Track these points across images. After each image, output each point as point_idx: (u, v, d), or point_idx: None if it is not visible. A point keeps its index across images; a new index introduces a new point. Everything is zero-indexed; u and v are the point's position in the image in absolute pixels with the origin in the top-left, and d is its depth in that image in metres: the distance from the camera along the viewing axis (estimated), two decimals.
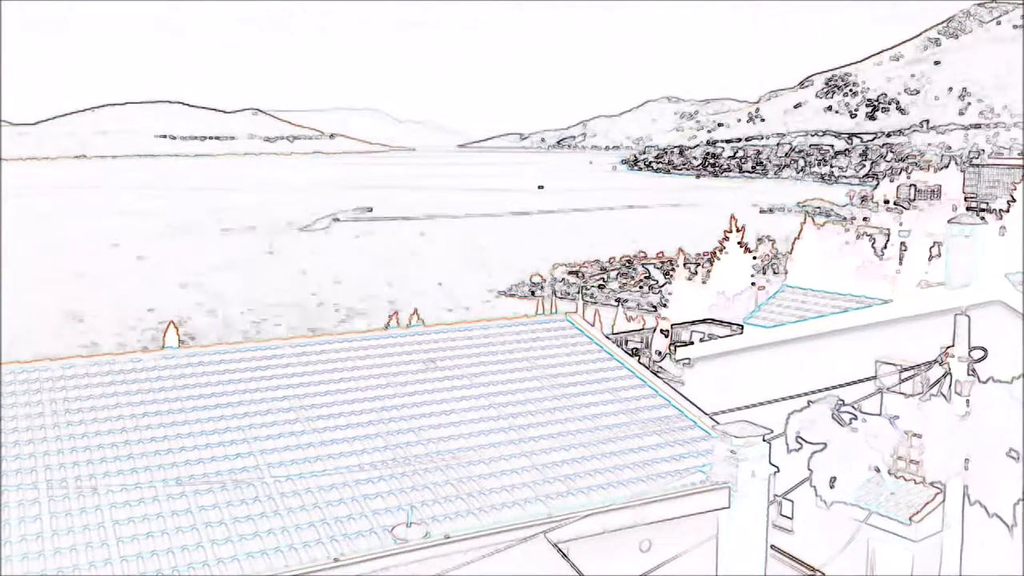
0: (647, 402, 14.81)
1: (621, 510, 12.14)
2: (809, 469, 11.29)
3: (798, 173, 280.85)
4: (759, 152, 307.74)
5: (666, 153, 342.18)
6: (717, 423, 13.64)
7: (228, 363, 14.42)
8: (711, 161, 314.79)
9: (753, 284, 34.10)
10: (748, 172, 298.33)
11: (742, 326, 25.03)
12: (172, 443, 12.43)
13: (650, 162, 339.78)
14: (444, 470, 12.45)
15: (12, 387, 13.20)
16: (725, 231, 36.69)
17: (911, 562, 16.28)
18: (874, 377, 14.67)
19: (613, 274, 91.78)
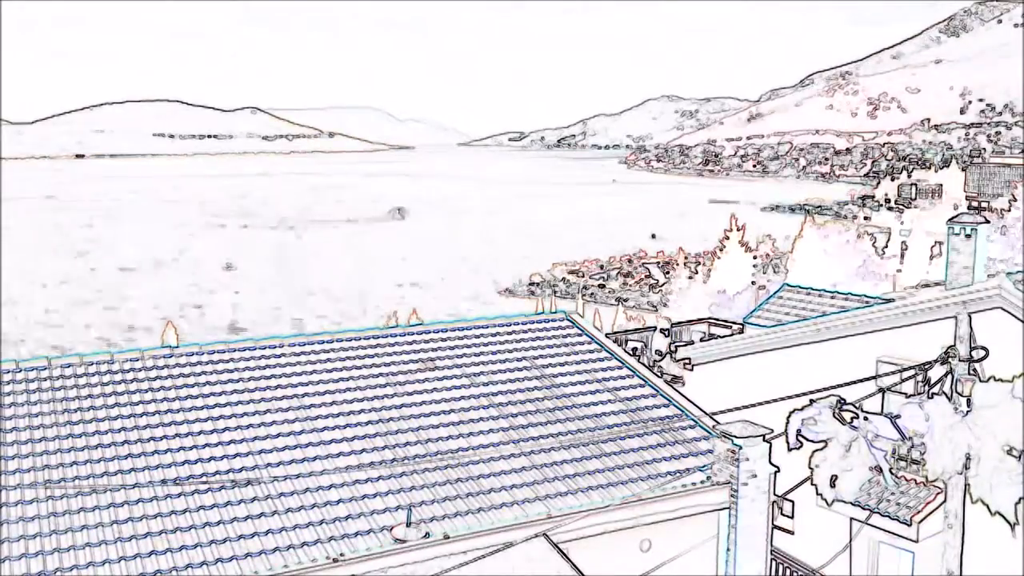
0: (647, 402, 14.78)
1: (621, 510, 12.13)
2: (810, 468, 11.27)
3: (799, 172, 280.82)
4: (760, 151, 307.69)
5: (667, 152, 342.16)
6: (718, 423, 13.62)
7: (228, 363, 14.40)
8: (711, 160, 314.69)
9: (753, 283, 34.08)
10: (749, 171, 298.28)
11: (743, 325, 24.99)
12: (172, 443, 12.41)
13: (650, 161, 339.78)
14: (444, 470, 12.43)
15: (12, 387, 13.17)
16: (725, 230, 36.68)
17: (912, 562, 16.26)
18: (875, 376, 14.65)
19: (613, 273, 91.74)
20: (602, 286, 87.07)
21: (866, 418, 11.07)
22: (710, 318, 29.84)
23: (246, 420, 13.07)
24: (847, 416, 11.06)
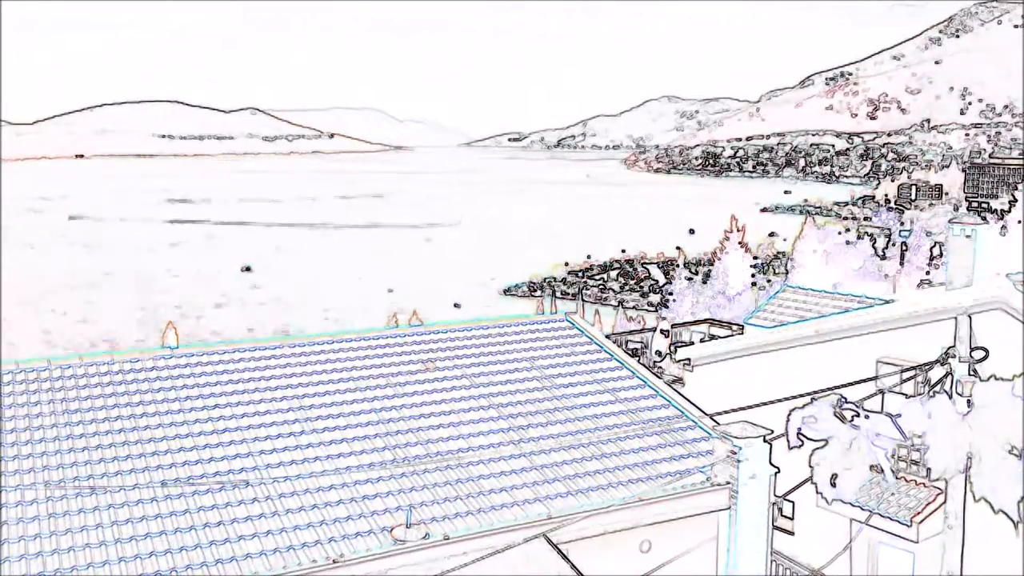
0: (647, 402, 14.79)
1: (621, 510, 12.12)
2: (810, 466, 11.26)
3: (799, 173, 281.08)
4: (759, 152, 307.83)
5: (667, 153, 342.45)
6: (718, 423, 13.62)
7: (227, 363, 14.40)
8: (711, 160, 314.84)
9: (754, 284, 34.10)
10: (749, 172, 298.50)
11: (743, 326, 25.00)
12: (172, 443, 12.41)
13: (651, 161, 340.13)
14: (444, 470, 12.43)
15: (12, 387, 13.18)
16: (726, 231, 36.68)
17: (912, 563, 16.26)
18: (875, 377, 14.65)
19: (613, 274, 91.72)
20: (602, 287, 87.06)
21: (867, 416, 11.07)
22: (710, 319, 29.85)
23: (246, 421, 13.07)
24: (847, 415, 11.05)
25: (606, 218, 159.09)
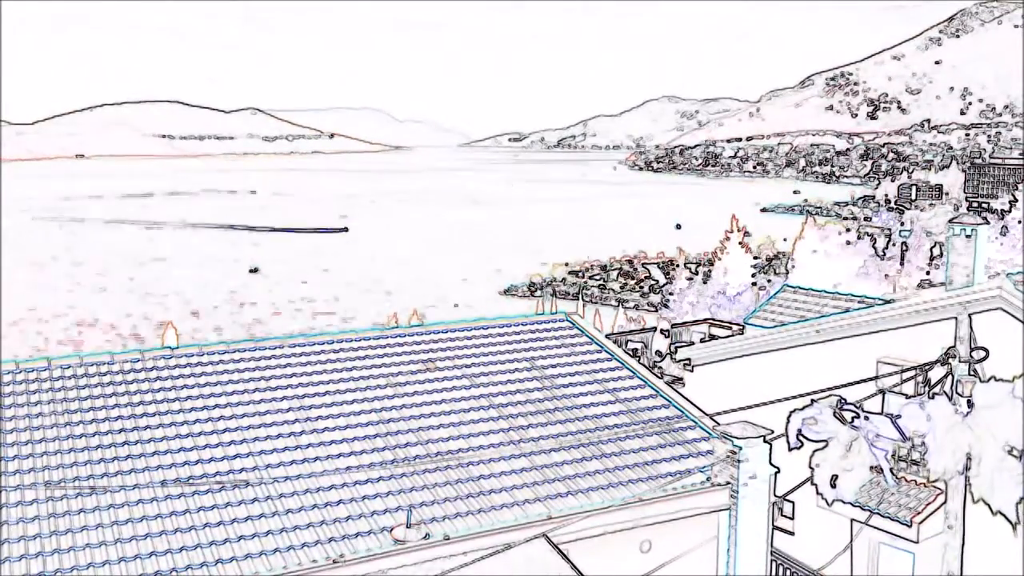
0: (647, 402, 14.78)
1: (621, 510, 12.12)
2: (810, 467, 11.26)
3: (799, 173, 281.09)
4: (759, 152, 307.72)
5: (667, 153, 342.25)
6: (718, 423, 13.62)
7: (227, 363, 14.39)
8: (712, 160, 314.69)
9: (754, 284, 34.10)
10: (749, 172, 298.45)
11: (743, 326, 24.99)
12: (172, 443, 12.40)
13: (651, 161, 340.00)
14: (444, 470, 12.43)
15: (12, 387, 13.17)
16: (726, 231, 36.67)
17: (912, 563, 16.26)
18: (876, 377, 14.65)
19: (613, 274, 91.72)
20: (602, 287, 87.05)
21: (867, 418, 11.07)
22: (710, 319, 29.84)
23: (246, 421, 13.07)
24: (847, 416, 11.05)
25: (606, 218, 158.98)
